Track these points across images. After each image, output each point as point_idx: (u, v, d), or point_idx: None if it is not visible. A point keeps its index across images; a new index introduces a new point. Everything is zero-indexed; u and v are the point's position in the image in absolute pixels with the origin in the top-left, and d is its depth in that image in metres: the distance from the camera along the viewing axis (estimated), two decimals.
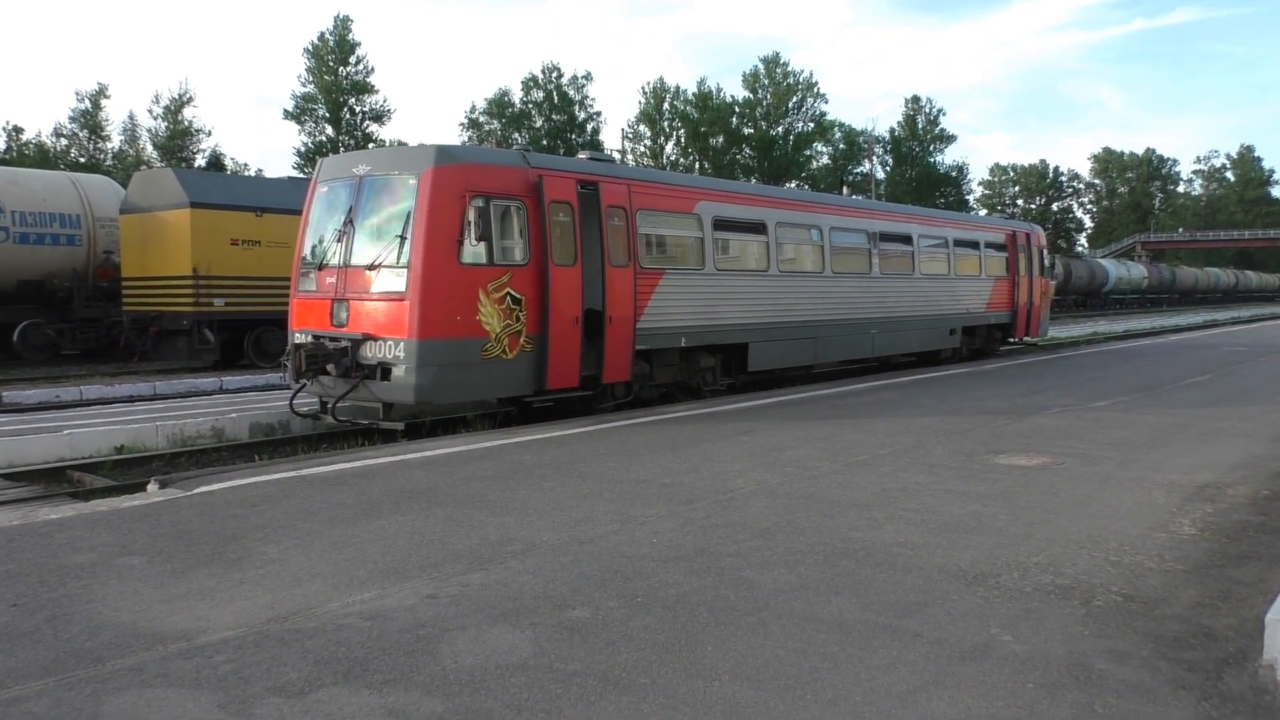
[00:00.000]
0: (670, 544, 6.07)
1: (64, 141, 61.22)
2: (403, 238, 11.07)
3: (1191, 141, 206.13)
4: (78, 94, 70.27)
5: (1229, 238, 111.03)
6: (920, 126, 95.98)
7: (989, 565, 5.64)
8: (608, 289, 12.45)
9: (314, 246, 12.15)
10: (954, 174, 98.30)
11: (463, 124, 78.81)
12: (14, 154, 56.86)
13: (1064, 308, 59.98)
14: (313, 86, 66.75)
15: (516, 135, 75.72)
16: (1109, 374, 17.88)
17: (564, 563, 5.66)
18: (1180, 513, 6.96)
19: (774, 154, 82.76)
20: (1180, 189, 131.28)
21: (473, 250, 11.17)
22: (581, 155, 14.79)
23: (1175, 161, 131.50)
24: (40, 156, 56.12)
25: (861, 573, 5.49)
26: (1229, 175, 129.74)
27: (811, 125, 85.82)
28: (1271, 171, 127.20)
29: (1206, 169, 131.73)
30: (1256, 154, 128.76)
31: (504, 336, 11.38)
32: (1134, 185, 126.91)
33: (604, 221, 12.47)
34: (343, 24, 66.65)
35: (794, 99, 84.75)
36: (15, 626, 4.65)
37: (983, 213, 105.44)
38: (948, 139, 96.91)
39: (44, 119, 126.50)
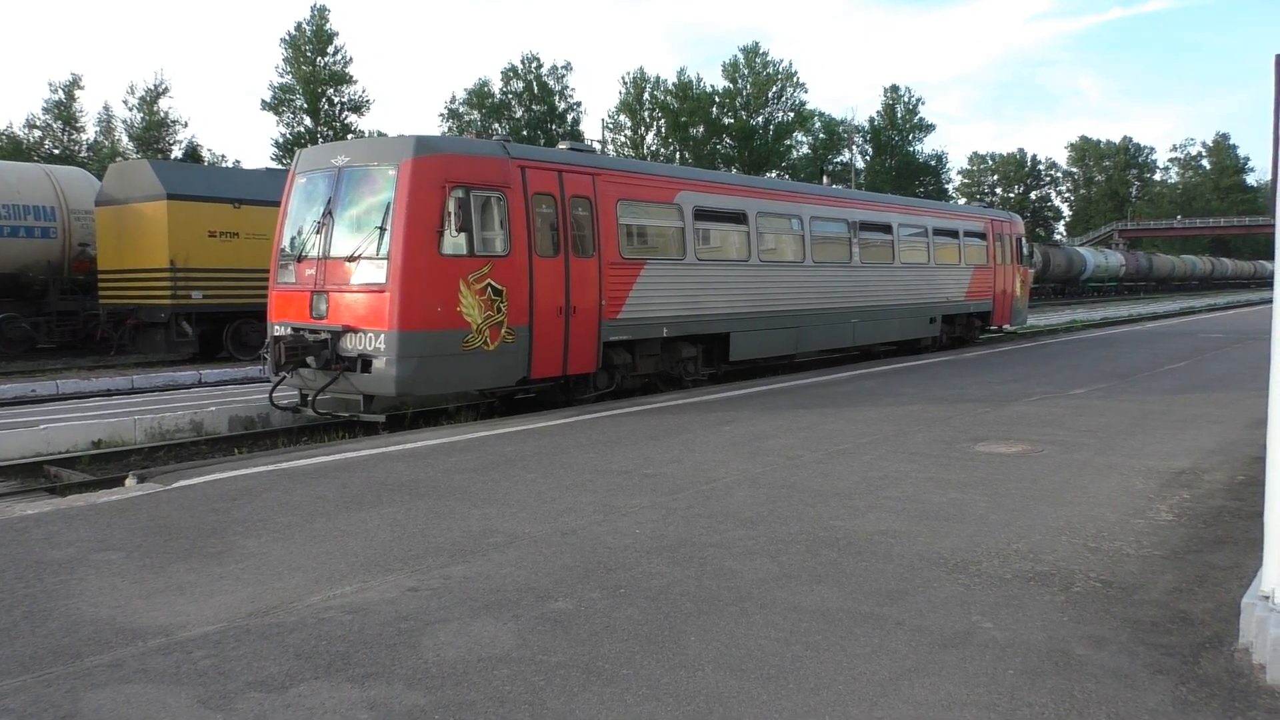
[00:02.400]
0: (653, 534, 6.07)
1: (37, 133, 60.43)
2: (382, 229, 11.01)
3: (1168, 129, 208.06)
4: (51, 85, 69.27)
5: (1205, 225, 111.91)
6: (899, 116, 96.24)
7: (970, 553, 5.67)
8: (571, 280, 12.42)
9: (293, 238, 12.06)
10: (933, 163, 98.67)
11: (442, 114, 78.39)
12: None
13: (1042, 295, 60.38)
14: (290, 77, 66.15)
15: (496, 126, 75.34)
16: (1087, 361, 18.02)
17: (547, 554, 5.66)
18: (1158, 499, 7.02)
19: (754, 144, 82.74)
20: (1157, 177, 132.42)
21: (453, 241, 11.12)
22: (562, 146, 14.74)
23: (1152, 150, 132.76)
24: (13, 148, 55.35)
25: (843, 561, 5.52)
26: (1205, 163, 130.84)
27: (791, 115, 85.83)
28: (1247, 159, 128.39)
29: (1183, 157, 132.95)
30: (1232, 142, 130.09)
31: (485, 328, 11.34)
32: (1111, 173, 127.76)
33: (567, 212, 12.44)
34: (320, 13, 66.07)
35: (774, 89, 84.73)
36: None
37: (962, 201, 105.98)
38: (927, 128, 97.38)
39: (16, 110, 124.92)
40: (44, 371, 19.09)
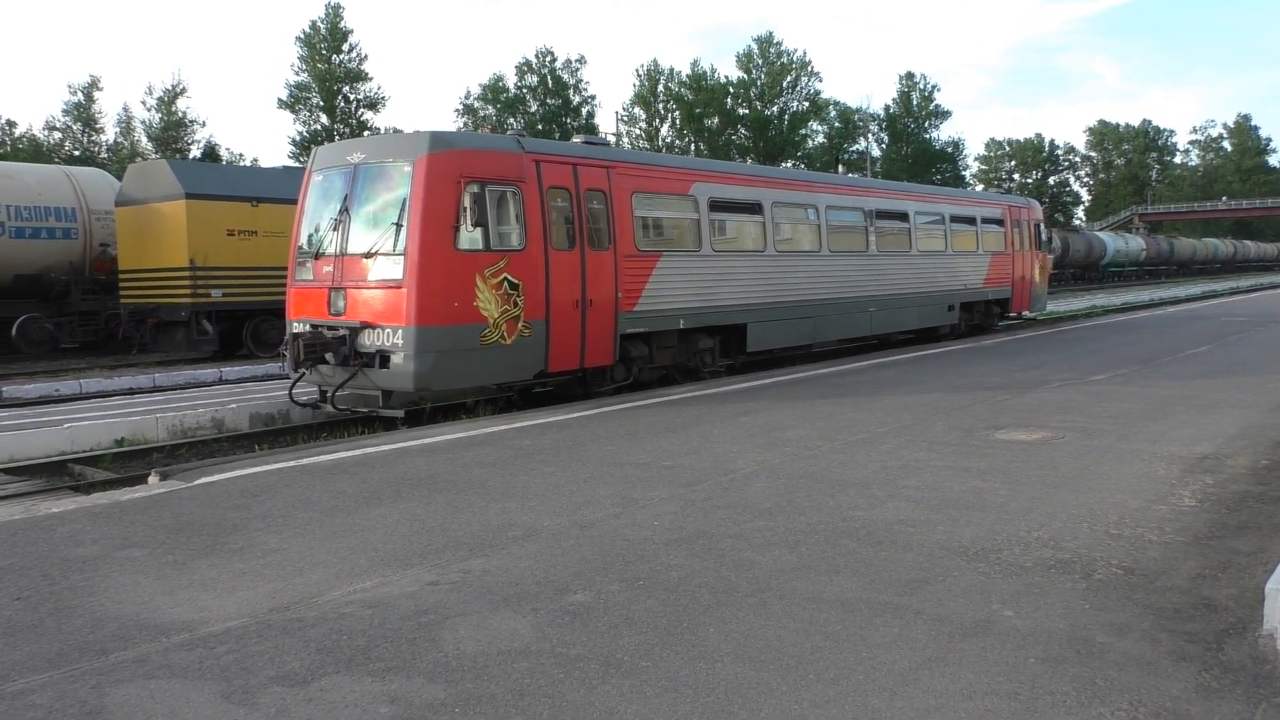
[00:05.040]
0: (671, 526, 6.07)
1: (57, 135, 60.97)
2: (399, 225, 11.04)
3: (1188, 112, 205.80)
4: (70, 87, 69.86)
5: (1227, 208, 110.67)
6: (915, 103, 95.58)
7: (990, 541, 5.64)
8: (587, 273, 12.42)
9: (310, 235, 12.12)
10: (950, 150, 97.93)
11: (457, 110, 78.52)
12: (7, 149, 56.62)
13: (1062, 281, 59.91)
14: (306, 75, 66.43)
15: (511, 120, 75.33)
16: (1108, 347, 17.88)
17: (565, 547, 5.67)
18: (1180, 484, 6.96)
19: (769, 134, 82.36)
20: (1177, 160, 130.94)
21: (469, 236, 11.14)
22: (576, 139, 14.73)
23: (1172, 132, 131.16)
24: (33, 150, 55.84)
25: (862, 551, 5.50)
26: (1226, 145, 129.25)
27: (806, 104, 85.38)
28: (1269, 140, 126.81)
29: (1203, 139, 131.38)
30: (1253, 123, 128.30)
31: (502, 322, 11.36)
32: (1130, 157, 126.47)
33: (582, 205, 12.43)
34: (334, 11, 66.27)
35: (788, 78, 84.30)
36: (19, 620, 4.66)
37: (979, 188, 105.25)
38: (943, 115, 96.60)
39: (36, 113, 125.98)
40: (67, 371, 19.25)
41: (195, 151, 62.08)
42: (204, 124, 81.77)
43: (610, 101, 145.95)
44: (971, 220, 22.24)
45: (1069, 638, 4.22)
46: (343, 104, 66.92)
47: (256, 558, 5.58)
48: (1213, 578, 4.99)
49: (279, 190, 20.59)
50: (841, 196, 18.15)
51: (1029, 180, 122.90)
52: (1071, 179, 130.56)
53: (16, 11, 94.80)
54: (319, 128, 65.99)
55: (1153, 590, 4.80)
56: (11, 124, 60.61)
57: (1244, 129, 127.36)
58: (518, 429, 9.86)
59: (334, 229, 11.67)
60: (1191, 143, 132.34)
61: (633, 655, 4.12)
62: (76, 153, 58.44)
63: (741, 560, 5.37)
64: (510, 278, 11.43)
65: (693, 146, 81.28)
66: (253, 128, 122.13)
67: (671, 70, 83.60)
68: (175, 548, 5.81)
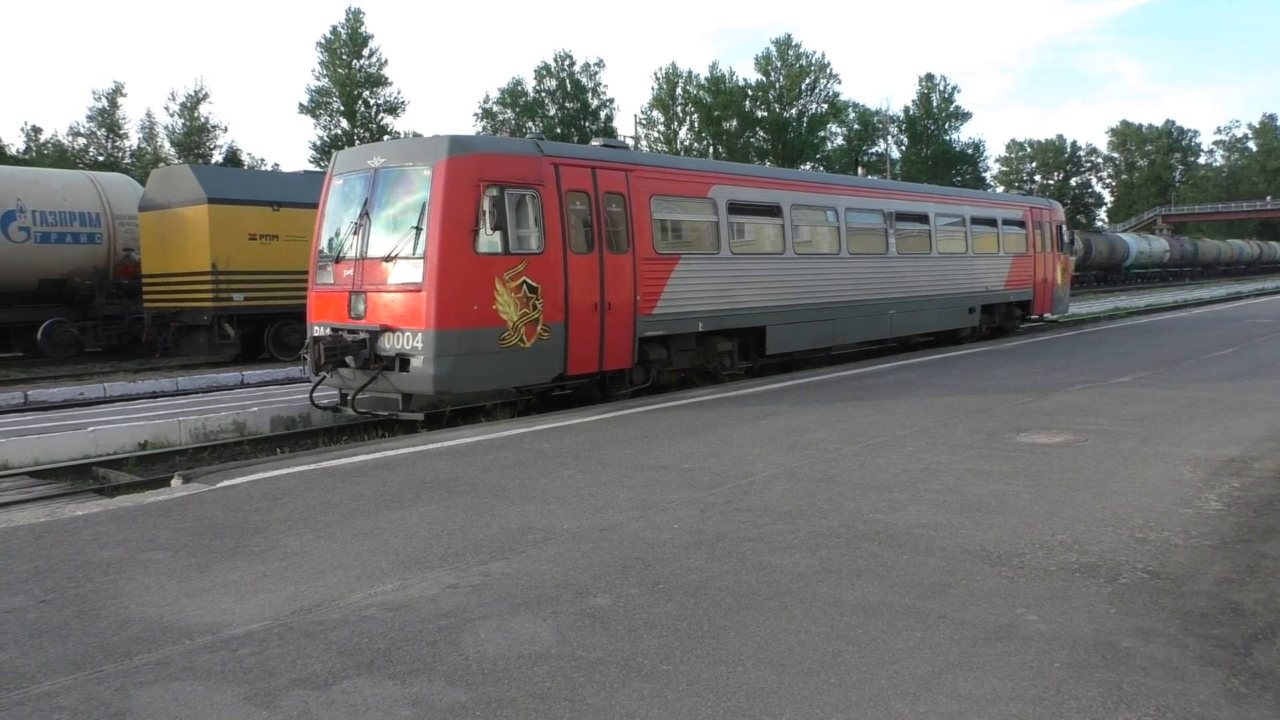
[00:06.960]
0: (691, 530, 6.06)
1: (82, 140, 61.66)
2: (418, 229, 11.08)
3: (1211, 112, 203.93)
4: (94, 93, 70.63)
5: (1252, 208, 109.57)
6: (935, 105, 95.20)
7: (1013, 545, 5.60)
8: (605, 276, 12.42)
9: (331, 239, 12.18)
10: (970, 151, 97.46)
11: (476, 114, 78.93)
12: (33, 154, 57.30)
13: (1084, 283, 59.50)
14: (327, 80, 66.89)
15: (530, 124, 75.58)
16: (1131, 349, 17.72)
17: (585, 550, 5.66)
18: (1206, 488, 6.89)
19: (788, 136, 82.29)
20: (1201, 160, 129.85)
21: (488, 240, 11.16)
22: (595, 142, 14.74)
23: (1195, 133, 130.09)
24: (59, 156, 56.49)
25: (884, 555, 5.46)
26: (1251, 145, 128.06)
27: (825, 106, 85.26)
28: None
29: (1228, 139, 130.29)
30: (1278, 123, 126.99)
31: (521, 325, 11.38)
32: (1154, 158, 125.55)
33: (601, 208, 12.44)
34: (355, 17, 66.71)
35: (807, 80, 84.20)
36: (44, 622, 4.69)
37: (1000, 190, 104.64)
38: (963, 116, 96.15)
39: (61, 119, 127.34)
40: (91, 375, 19.44)
41: (217, 156, 62.64)
42: (226, 129, 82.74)
43: (629, 105, 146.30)
44: (992, 222, 22.11)
45: (1094, 642, 4.18)
46: (363, 109, 67.36)
47: (278, 560, 5.61)
48: (1240, 582, 4.93)
49: (300, 194, 20.72)
50: (861, 199, 18.08)
51: (1050, 182, 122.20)
52: (1094, 180, 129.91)
53: (43, 19, 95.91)
54: (339, 132, 66.44)
55: (1179, 594, 4.75)
56: (37, 130, 61.47)
57: (1269, 129, 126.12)
58: (537, 432, 9.87)
59: (354, 233, 11.72)
60: (1216, 143, 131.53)
61: (653, 659, 4.11)
62: (101, 158, 59.09)
63: (762, 564, 5.35)
64: (529, 281, 11.45)
65: (711, 149, 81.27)
66: (274, 133, 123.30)
67: (690, 73, 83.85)
68: (198, 550, 5.85)
